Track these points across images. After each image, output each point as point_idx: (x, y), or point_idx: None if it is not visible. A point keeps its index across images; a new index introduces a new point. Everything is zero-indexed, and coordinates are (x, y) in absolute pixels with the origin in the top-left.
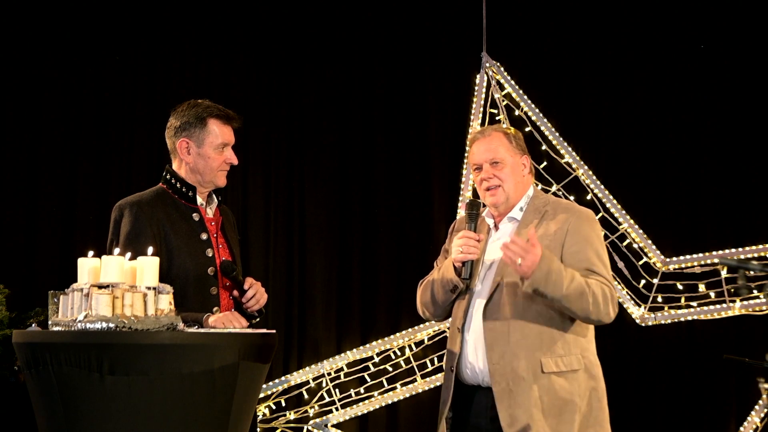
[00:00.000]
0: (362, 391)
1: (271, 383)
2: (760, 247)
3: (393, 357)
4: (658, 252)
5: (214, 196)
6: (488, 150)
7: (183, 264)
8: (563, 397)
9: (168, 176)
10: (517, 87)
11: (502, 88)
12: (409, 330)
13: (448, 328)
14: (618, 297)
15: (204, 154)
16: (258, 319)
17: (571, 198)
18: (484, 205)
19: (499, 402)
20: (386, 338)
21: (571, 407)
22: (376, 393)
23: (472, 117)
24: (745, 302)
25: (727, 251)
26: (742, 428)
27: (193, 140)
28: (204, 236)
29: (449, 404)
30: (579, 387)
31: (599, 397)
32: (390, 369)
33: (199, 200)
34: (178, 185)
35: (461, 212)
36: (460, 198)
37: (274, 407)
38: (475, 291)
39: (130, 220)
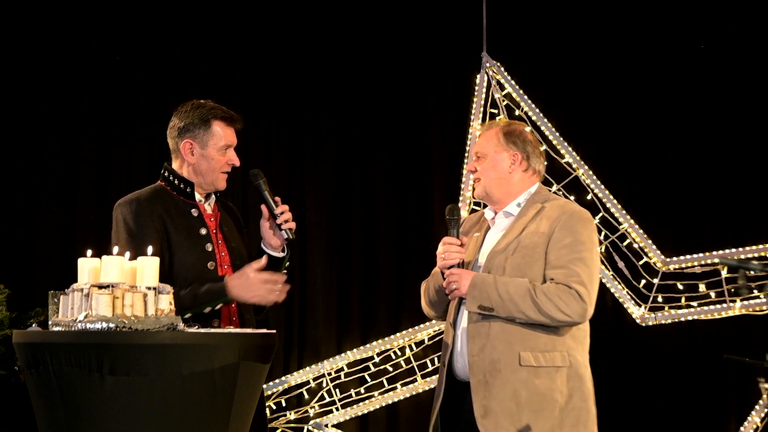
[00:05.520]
0: (362, 391)
1: (271, 383)
2: (760, 247)
3: (393, 357)
4: (658, 252)
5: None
6: (478, 143)
7: (183, 258)
8: (542, 393)
9: (166, 174)
10: (517, 87)
11: (502, 88)
12: (410, 330)
13: None
14: (618, 297)
15: (207, 155)
16: (288, 252)
17: (572, 198)
18: (483, 206)
19: (475, 394)
20: (386, 338)
21: (550, 403)
22: (376, 393)
23: (472, 117)
24: (745, 302)
25: (727, 251)
26: (742, 428)
27: (197, 141)
28: (203, 231)
29: (441, 398)
30: (560, 384)
31: (584, 397)
32: (390, 369)
33: (198, 196)
34: (176, 182)
35: (464, 213)
36: (460, 198)
37: (274, 407)
38: None
39: (131, 216)
